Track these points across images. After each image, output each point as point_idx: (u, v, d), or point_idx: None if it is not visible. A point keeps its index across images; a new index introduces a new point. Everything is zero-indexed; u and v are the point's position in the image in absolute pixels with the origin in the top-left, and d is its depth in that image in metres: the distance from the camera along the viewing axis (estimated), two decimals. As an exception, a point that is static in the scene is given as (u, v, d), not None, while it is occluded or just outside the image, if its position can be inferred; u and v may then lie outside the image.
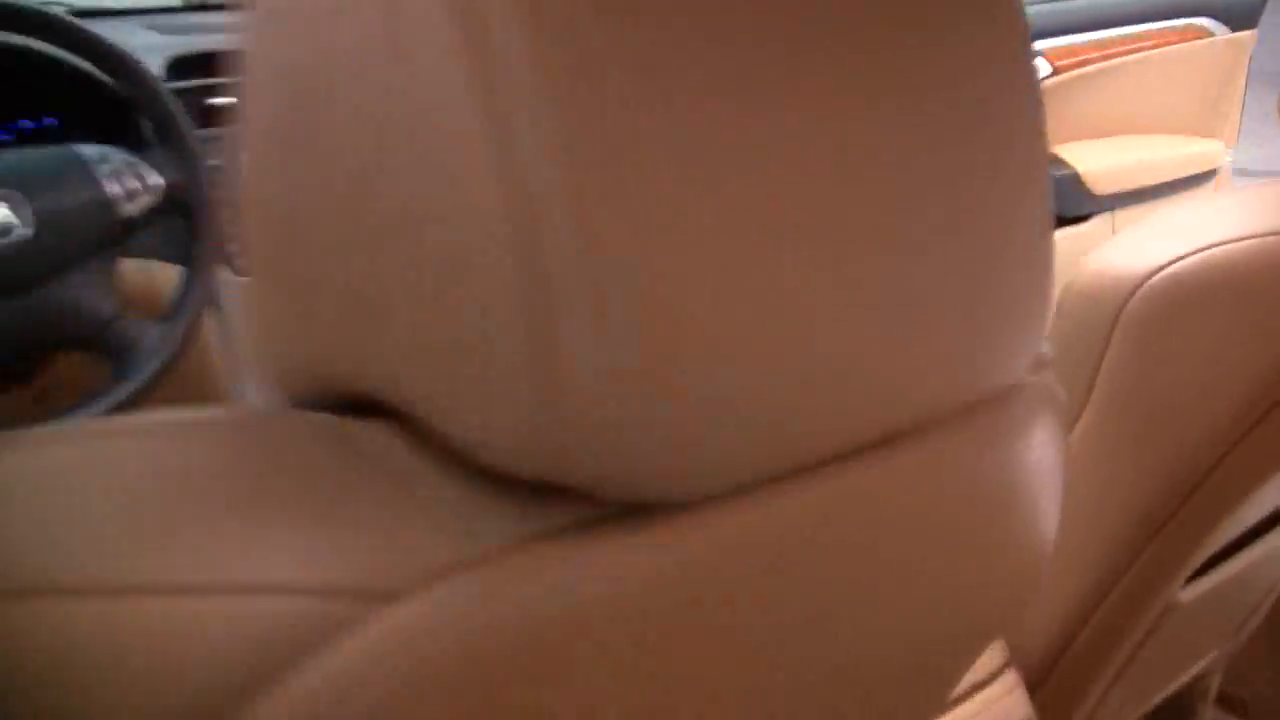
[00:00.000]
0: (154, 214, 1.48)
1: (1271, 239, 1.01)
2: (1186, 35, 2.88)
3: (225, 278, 1.53)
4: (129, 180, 1.46)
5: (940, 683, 0.58)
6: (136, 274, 1.54)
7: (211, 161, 1.53)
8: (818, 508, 0.44)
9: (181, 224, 1.50)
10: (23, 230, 1.43)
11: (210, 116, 1.67)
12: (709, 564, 0.41)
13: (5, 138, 1.71)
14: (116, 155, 1.48)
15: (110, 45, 1.50)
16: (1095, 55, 2.82)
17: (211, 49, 1.75)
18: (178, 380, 1.48)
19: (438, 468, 0.41)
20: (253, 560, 0.36)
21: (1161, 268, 1.03)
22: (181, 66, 1.72)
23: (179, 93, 1.58)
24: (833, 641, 0.48)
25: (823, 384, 0.40)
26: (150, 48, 1.74)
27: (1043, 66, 2.78)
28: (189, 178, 1.47)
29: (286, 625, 0.35)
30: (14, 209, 1.44)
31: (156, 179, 1.47)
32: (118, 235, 1.47)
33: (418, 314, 0.39)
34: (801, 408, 0.40)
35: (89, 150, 1.49)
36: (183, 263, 1.50)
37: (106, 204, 1.45)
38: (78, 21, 1.49)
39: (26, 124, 1.74)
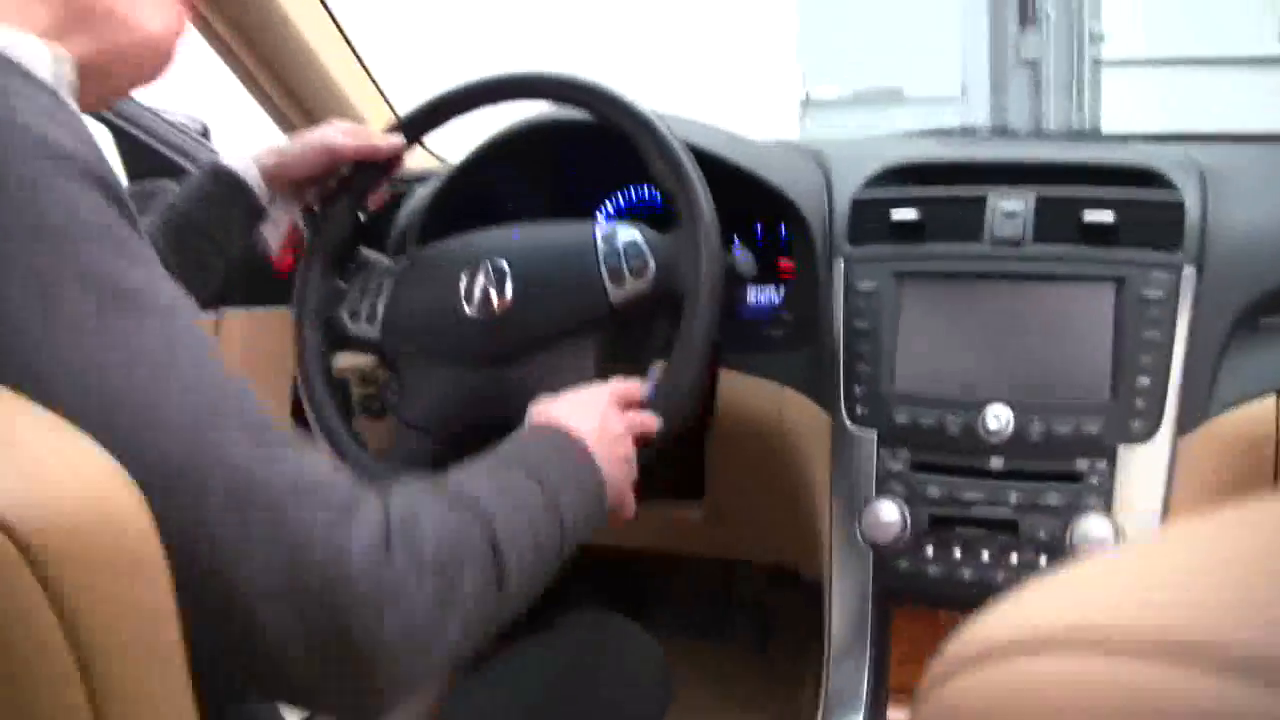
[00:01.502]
0: (646, 303, 1.47)
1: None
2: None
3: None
4: (626, 263, 1.46)
5: None
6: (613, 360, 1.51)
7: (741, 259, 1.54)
8: None
9: (671, 313, 1.46)
10: (506, 301, 1.47)
11: None
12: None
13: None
14: (624, 235, 1.48)
15: (648, 119, 1.48)
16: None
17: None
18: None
19: None
20: None
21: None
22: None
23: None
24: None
25: None
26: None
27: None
28: (689, 270, 1.43)
29: None
30: (498, 279, 1.49)
31: (653, 267, 1.46)
32: (602, 321, 1.47)
33: None
34: None
35: (593, 228, 1.50)
36: (664, 354, 1.47)
37: (596, 285, 1.46)
38: (619, 94, 1.49)
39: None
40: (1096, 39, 6.95)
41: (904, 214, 1.62)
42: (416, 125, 1.60)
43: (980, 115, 6.84)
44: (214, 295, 1.54)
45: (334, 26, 2.01)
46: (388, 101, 2.13)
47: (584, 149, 1.77)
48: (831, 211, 1.67)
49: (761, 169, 1.69)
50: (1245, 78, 6.59)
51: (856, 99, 6.68)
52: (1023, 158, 1.68)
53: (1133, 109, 6.89)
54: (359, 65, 2.07)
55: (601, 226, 1.50)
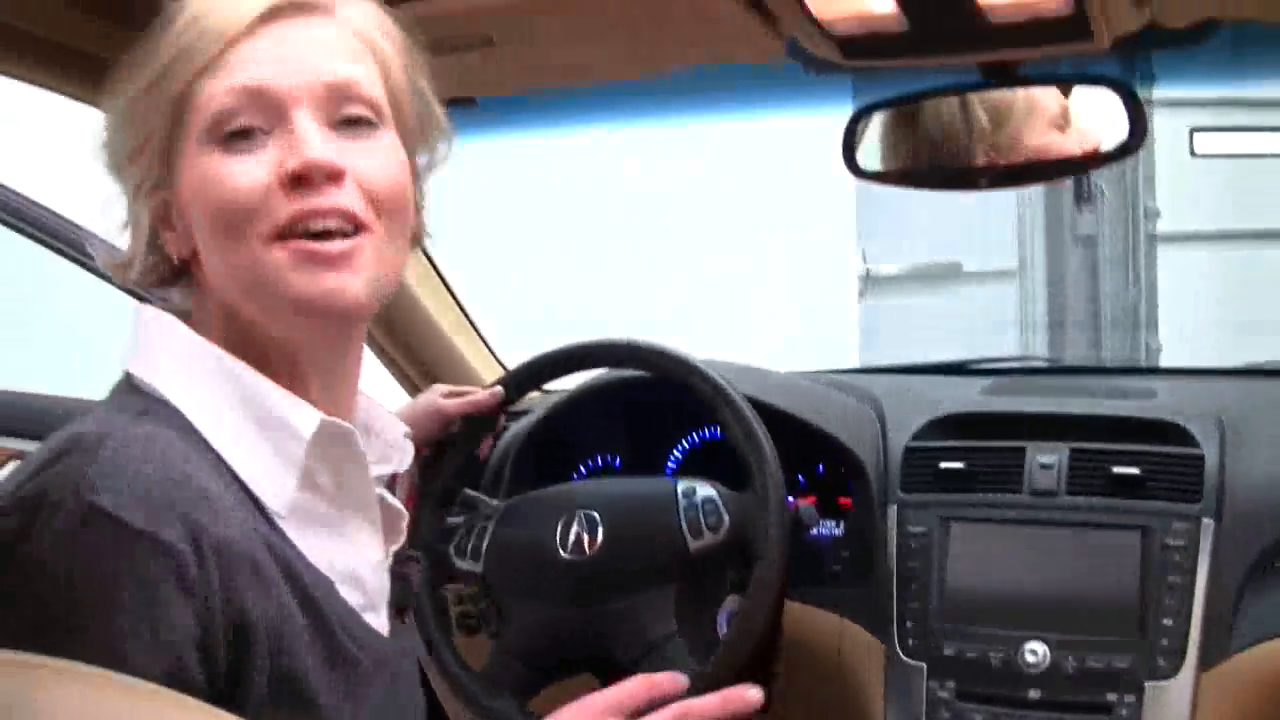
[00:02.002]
0: (720, 553, 1.66)
1: None
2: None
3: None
4: (704, 519, 1.65)
5: None
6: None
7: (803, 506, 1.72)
8: None
9: (741, 561, 1.66)
10: (597, 548, 1.67)
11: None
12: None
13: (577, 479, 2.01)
14: (702, 492, 1.68)
15: (726, 392, 1.69)
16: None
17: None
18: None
19: None
20: None
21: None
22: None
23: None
24: None
25: None
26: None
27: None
28: (759, 524, 1.63)
29: None
30: (590, 527, 1.69)
31: (727, 523, 1.65)
32: (682, 568, 1.66)
33: None
34: None
35: (675, 485, 1.70)
36: (736, 591, 1.67)
37: (677, 537, 1.65)
38: (703, 368, 1.71)
39: (597, 462, 2.08)
40: (1151, 214, 7.15)
41: (951, 464, 1.81)
42: (518, 384, 1.82)
43: (1038, 289, 7.03)
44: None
45: (449, 295, 2.26)
46: (496, 358, 2.35)
47: (660, 392, 1.97)
48: (886, 457, 1.87)
49: (823, 421, 1.89)
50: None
51: (915, 274, 6.91)
52: (1058, 411, 1.87)
53: (1187, 283, 7.06)
54: (470, 326, 2.30)
55: (682, 483, 1.70)
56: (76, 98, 1.53)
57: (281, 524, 1.01)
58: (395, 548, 1.17)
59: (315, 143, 1.00)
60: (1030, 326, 7.20)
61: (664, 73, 1.62)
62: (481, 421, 1.80)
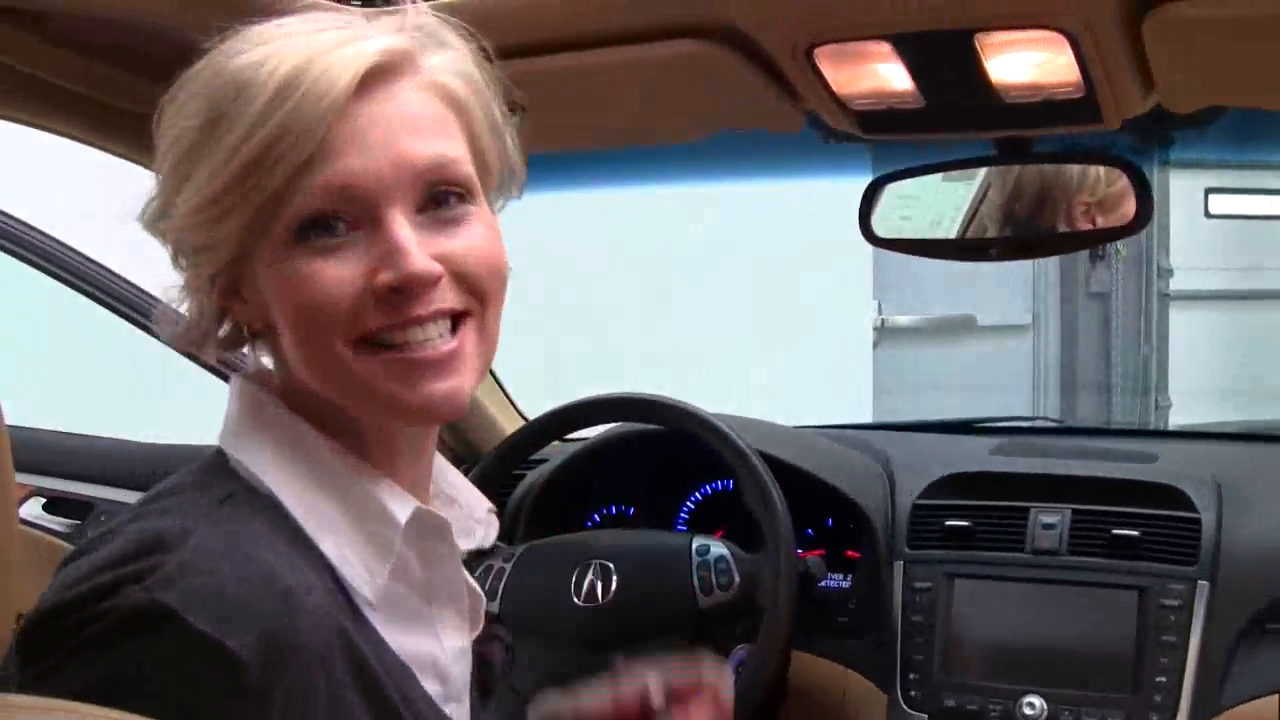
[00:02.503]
0: (728, 610, 1.73)
1: None
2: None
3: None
4: (716, 577, 1.73)
5: None
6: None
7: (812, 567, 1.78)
8: None
9: (750, 616, 1.74)
10: (610, 597, 1.74)
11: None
12: None
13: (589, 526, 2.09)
14: (715, 550, 1.75)
15: (745, 454, 1.77)
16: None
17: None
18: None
19: None
20: None
21: None
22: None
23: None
24: None
25: None
26: None
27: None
28: (769, 586, 1.71)
29: None
30: (605, 577, 1.75)
31: (738, 582, 1.73)
32: (692, 622, 1.73)
33: None
34: None
35: (689, 540, 1.78)
36: (744, 640, 1.75)
37: (689, 593, 1.72)
38: (725, 429, 1.78)
39: (610, 511, 2.15)
40: (1165, 273, 7.20)
41: (957, 522, 1.88)
42: (540, 436, 1.89)
43: (1050, 344, 7.08)
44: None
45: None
46: (515, 408, 2.40)
47: (676, 445, 2.03)
48: (894, 513, 1.93)
49: (833, 477, 1.95)
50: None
51: (930, 327, 6.96)
52: (1062, 473, 1.94)
53: (1199, 342, 7.09)
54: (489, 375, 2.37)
55: (697, 540, 1.76)
56: (123, 156, 1.59)
57: (370, 614, 0.96)
58: (478, 633, 1.12)
59: (413, 251, 0.93)
60: (1042, 381, 7.24)
61: (688, 140, 1.69)
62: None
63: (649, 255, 5.67)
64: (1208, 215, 6.51)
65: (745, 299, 5.91)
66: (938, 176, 1.70)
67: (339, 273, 0.93)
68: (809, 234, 5.68)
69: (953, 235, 1.73)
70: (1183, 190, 6.35)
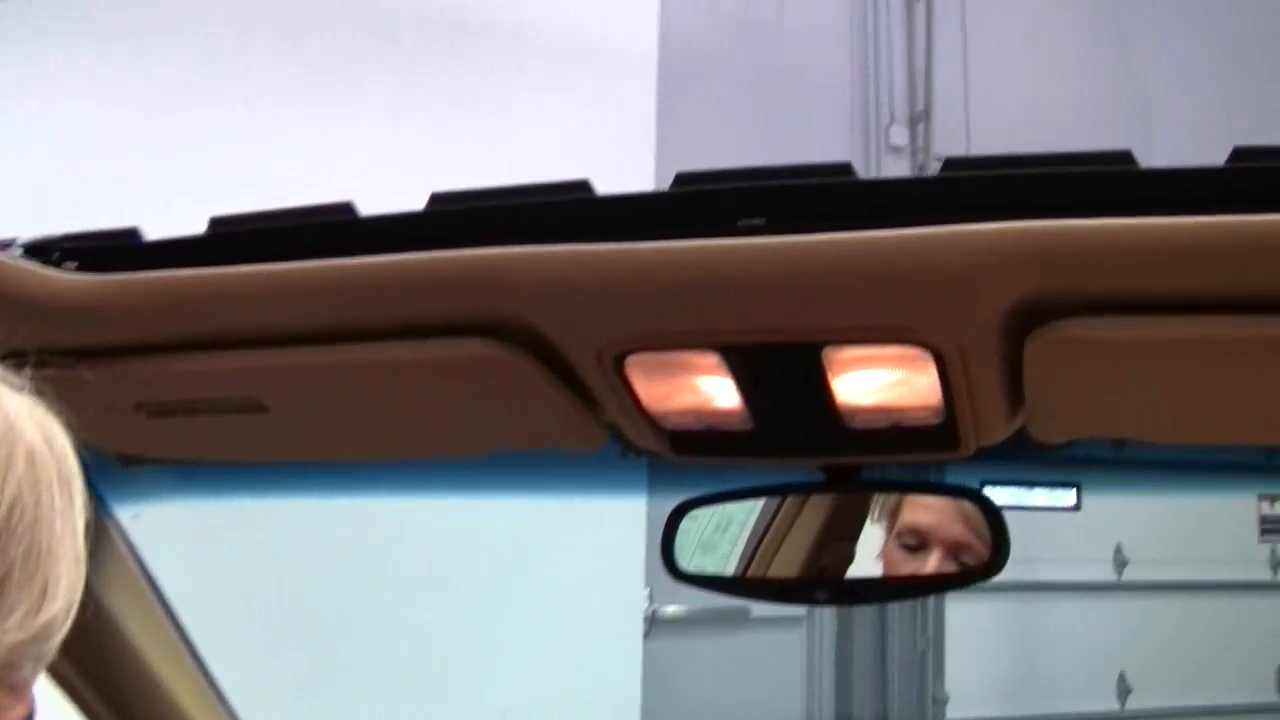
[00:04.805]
0: None
1: None
2: None
3: None
4: None
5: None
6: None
7: None
8: None
9: None
10: None
11: None
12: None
13: None
14: None
15: None
16: None
17: None
18: None
19: None
20: None
21: None
22: None
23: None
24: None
25: None
26: None
27: None
28: None
29: None
30: None
31: None
32: None
33: None
34: None
35: None
36: None
37: None
38: None
39: None
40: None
41: None
42: None
43: (825, 637, 6.92)
44: None
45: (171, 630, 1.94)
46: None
47: None
48: None
49: None
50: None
51: (703, 617, 6.71)
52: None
53: (975, 633, 7.04)
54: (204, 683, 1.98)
55: None
56: None
57: None
58: None
59: None
60: (818, 674, 7.05)
61: (466, 456, 1.40)
62: None
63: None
64: (982, 506, 6.50)
65: (492, 589, 5.57)
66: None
67: None
68: (578, 516, 5.45)
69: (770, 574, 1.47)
70: (959, 481, 6.33)
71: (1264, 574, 7.28)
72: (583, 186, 1.07)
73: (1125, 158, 0.96)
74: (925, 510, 1.41)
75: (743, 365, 1.11)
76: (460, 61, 5.18)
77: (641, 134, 5.77)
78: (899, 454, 1.27)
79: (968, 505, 1.36)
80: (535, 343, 1.10)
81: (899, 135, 6.69)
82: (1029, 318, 0.99)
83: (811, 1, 6.60)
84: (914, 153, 6.71)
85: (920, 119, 6.68)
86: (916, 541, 1.38)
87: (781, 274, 0.99)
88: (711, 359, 1.10)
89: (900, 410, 1.16)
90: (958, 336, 1.02)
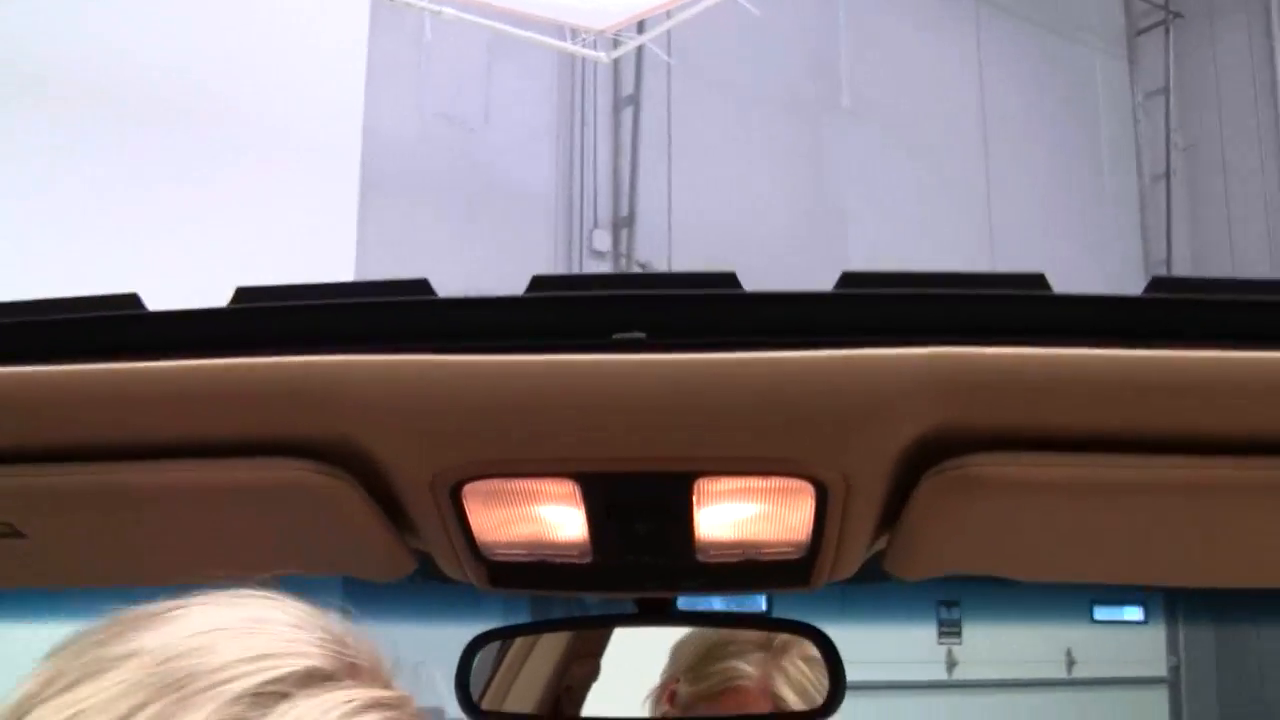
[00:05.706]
0: None
1: None
2: None
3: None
4: None
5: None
6: None
7: None
8: None
9: None
10: None
11: None
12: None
13: None
14: None
15: None
16: None
17: None
18: None
19: None
20: None
21: None
22: None
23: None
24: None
25: None
26: None
27: None
28: None
29: None
30: None
31: None
32: None
33: None
34: None
35: None
36: None
37: None
38: None
39: None
40: None
41: None
42: None
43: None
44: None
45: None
46: None
47: None
48: None
49: None
50: None
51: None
52: None
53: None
54: None
55: None
56: None
57: None
58: None
59: None
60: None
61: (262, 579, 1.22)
62: None
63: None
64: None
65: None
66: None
67: None
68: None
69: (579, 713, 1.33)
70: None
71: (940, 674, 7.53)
72: (422, 286, 0.92)
73: (1038, 281, 0.88)
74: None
75: (599, 495, 0.98)
76: (165, 147, 4.98)
77: (343, 226, 5.62)
78: (743, 589, 1.16)
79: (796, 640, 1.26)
80: (361, 467, 0.95)
81: (602, 240, 6.70)
82: (933, 452, 0.90)
83: (518, 103, 6.57)
84: (616, 257, 6.72)
85: (624, 224, 6.70)
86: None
87: (663, 396, 0.87)
88: (565, 487, 0.97)
89: (760, 545, 1.05)
90: (848, 470, 0.92)
